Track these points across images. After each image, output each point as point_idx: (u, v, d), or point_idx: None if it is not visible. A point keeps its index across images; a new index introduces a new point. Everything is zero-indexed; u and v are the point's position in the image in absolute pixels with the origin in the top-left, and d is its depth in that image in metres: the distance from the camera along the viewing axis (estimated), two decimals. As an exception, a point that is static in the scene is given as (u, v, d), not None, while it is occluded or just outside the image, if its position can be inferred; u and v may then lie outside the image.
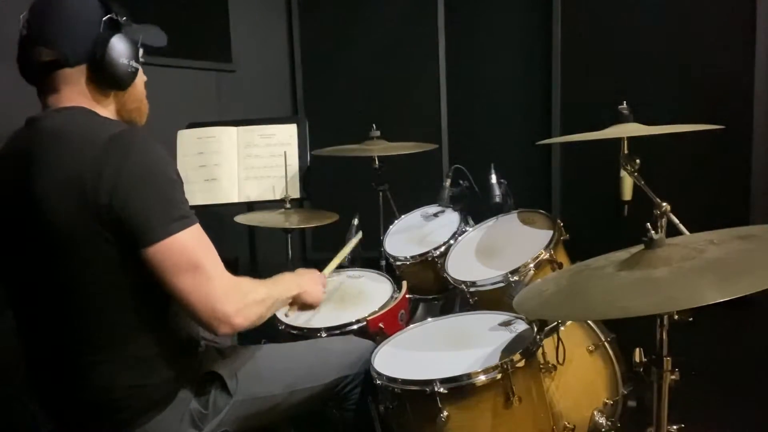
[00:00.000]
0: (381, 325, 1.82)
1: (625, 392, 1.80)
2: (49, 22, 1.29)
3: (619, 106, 1.82)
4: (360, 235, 2.12)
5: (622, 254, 1.29)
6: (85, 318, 1.28)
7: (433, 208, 2.44)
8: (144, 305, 1.30)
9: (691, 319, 1.24)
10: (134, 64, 1.37)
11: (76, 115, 1.31)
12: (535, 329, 1.58)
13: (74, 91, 1.32)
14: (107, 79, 1.33)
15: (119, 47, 1.32)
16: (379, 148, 2.43)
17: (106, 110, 1.38)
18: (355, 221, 2.38)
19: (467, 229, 2.22)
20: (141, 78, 1.43)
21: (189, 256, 1.25)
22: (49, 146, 1.26)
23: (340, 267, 2.24)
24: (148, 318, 1.32)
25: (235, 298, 1.30)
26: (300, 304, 1.64)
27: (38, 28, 1.30)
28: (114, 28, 1.32)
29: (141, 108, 1.46)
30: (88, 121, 1.31)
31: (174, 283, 1.25)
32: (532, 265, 1.83)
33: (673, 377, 1.27)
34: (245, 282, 1.38)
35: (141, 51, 1.39)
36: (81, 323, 1.29)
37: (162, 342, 1.34)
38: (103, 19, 1.30)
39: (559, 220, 1.98)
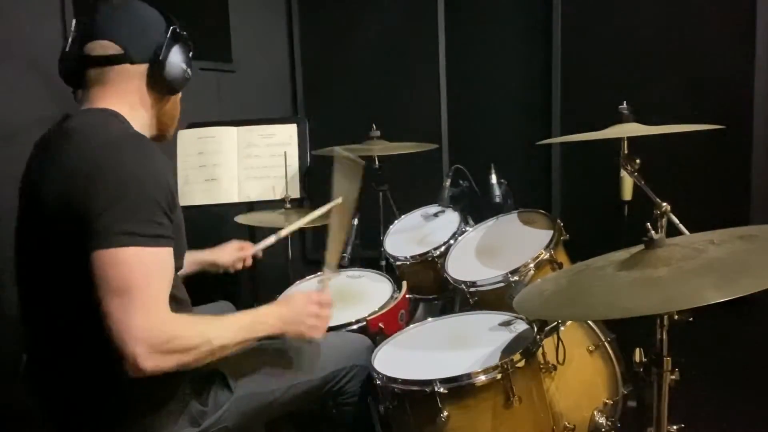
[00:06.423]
0: (381, 325, 1.83)
1: (625, 392, 1.80)
2: (117, 22, 1.37)
3: (619, 106, 1.82)
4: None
5: (622, 254, 1.29)
6: (80, 310, 1.24)
7: (433, 208, 2.44)
8: None
9: (691, 319, 1.24)
10: (189, 71, 1.46)
11: (99, 117, 1.34)
12: (535, 329, 1.58)
13: (120, 89, 1.36)
14: (164, 80, 1.40)
15: (179, 54, 1.42)
16: (379, 148, 2.44)
17: (144, 113, 1.42)
18: (355, 221, 2.38)
19: (467, 229, 2.22)
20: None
21: (126, 275, 1.16)
22: (60, 142, 1.30)
23: (341, 267, 2.24)
24: None
25: (154, 341, 1.17)
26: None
27: (104, 26, 1.37)
28: (175, 38, 1.42)
29: (176, 117, 1.53)
30: (107, 123, 1.33)
31: (103, 300, 1.17)
32: (532, 265, 1.83)
33: (673, 377, 1.27)
34: (180, 324, 1.24)
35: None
36: (78, 314, 1.25)
37: None
38: (170, 28, 1.41)
39: (559, 220, 1.98)
